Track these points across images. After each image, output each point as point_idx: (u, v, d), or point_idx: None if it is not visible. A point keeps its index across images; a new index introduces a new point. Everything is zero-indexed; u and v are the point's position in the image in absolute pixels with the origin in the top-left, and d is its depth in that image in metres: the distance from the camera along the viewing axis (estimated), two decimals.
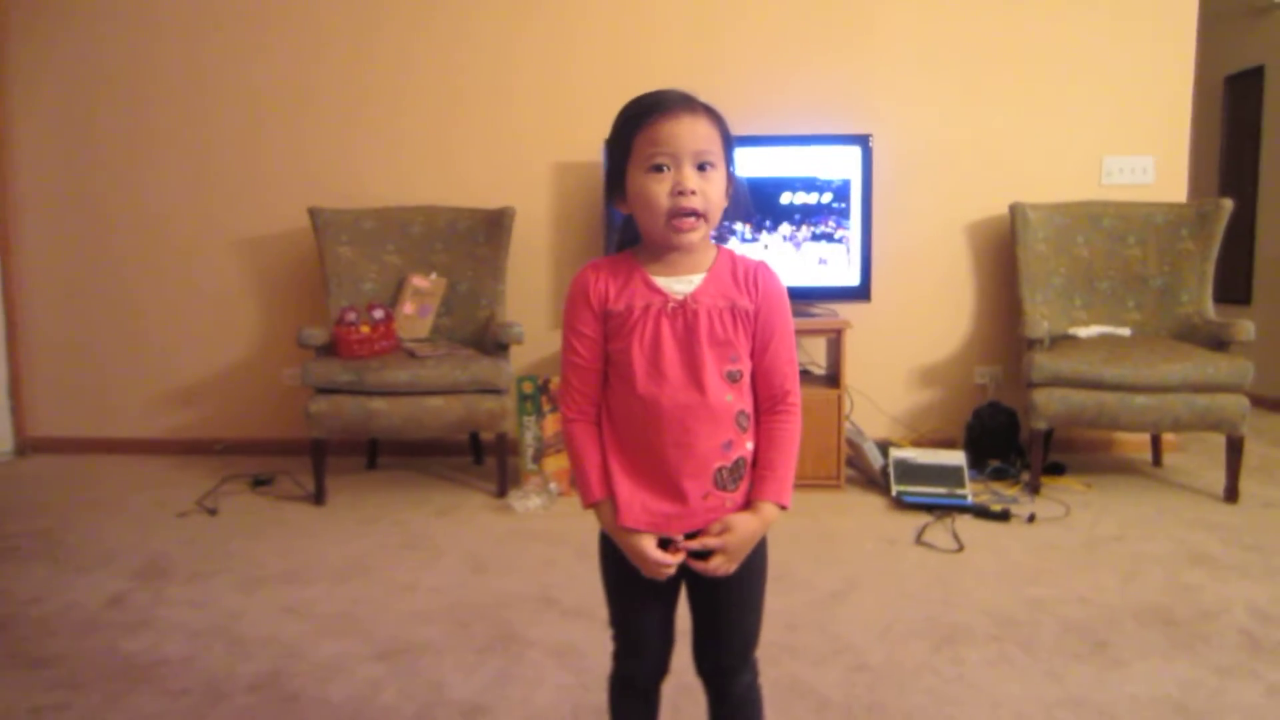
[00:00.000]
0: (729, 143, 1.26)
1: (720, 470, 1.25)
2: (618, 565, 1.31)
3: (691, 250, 1.26)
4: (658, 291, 1.25)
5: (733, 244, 1.37)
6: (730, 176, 1.27)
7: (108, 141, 4.15)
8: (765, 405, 1.30)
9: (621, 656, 1.38)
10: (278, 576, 2.68)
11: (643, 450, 1.25)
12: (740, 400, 1.26)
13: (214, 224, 4.15)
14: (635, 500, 1.26)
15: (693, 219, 1.21)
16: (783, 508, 1.28)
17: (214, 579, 2.66)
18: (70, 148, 4.17)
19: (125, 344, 4.23)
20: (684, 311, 1.24)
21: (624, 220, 1.32)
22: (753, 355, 1.28)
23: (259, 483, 3.65)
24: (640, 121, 1.21)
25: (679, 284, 1.25)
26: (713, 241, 1.30)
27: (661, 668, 1.38)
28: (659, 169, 1.20)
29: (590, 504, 1.29)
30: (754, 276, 1.28)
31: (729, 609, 1.33)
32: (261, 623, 2.35)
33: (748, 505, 1.27)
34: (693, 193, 1.20)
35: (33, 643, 2.24)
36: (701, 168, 1.21)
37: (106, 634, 2.28)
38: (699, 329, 1.23)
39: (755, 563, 1.32)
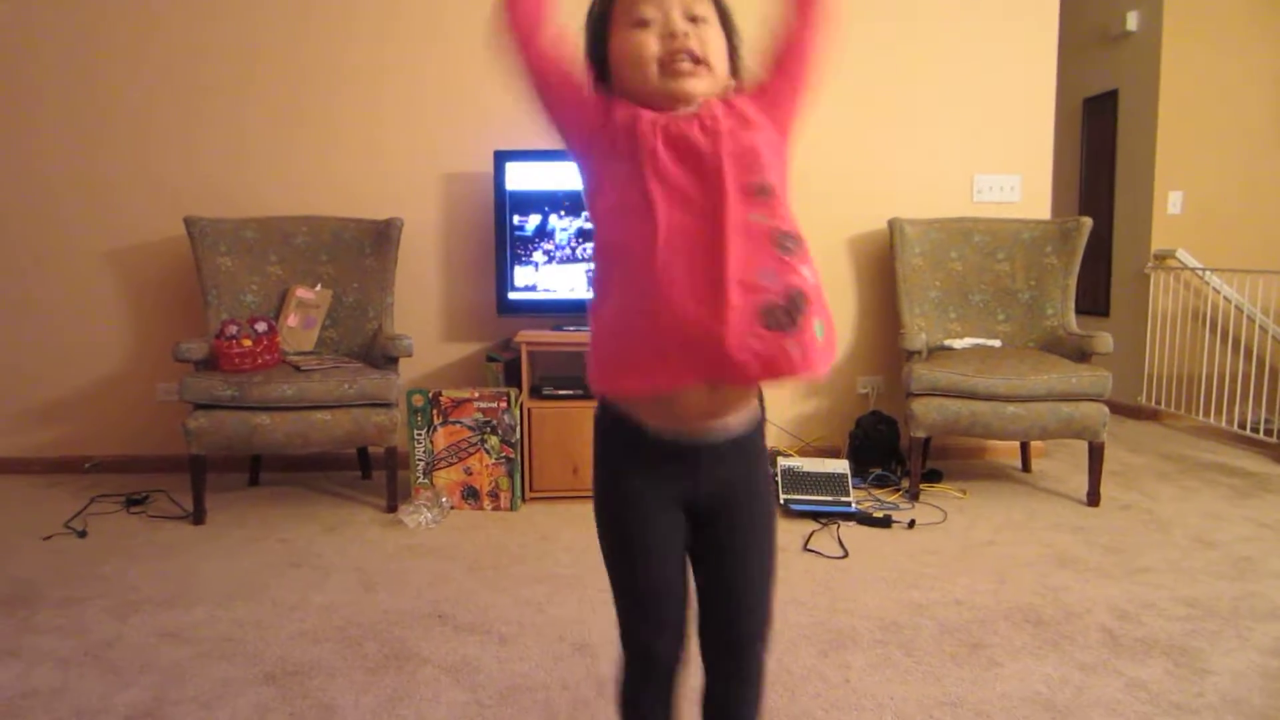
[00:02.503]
0: (723, 5, 1.15)
1: (767, 309, 1.01)
2: (618, 517, 1.18)
3: (696, 102, 1.10)
4: (661, 110, 1.09)
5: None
6: (730, 39, 1.15)
7: None
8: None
9: (635, 630, 1.21)
10: (155, 600, 2.57)
11: (648, 294, 1.02)
12: (776, 217, 1.07)
13: (82, 231, 3.94)
14: (622, 350, 1.06)
15: (692, 62, 1.08)
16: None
17: (85, 604, 2.53)
18: None
19: None
20: (696, 120, 1.07)
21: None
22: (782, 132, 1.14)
23: (132, 502, 3.49)
24: None
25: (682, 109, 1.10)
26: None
27: (680, 635, 1.21)
28: (644, 23, 1.09)
29: None
30: (740, 84, 1.16)
31: (748, 567, 1.18)
32: (138, 649, 2.25)
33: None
34: (685, 32, 1.08)
35: None
36: (693, 20, 1.10)
37: None
38: (718, 144, 1.06)
39: (767, 516, 1.18)
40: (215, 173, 3.94)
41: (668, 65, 1.07)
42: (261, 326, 3.45)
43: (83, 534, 3.16)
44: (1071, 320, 3.85)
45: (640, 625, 1.21)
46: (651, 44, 1.08)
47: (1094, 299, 5.48)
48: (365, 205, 3.90)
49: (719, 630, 1.21)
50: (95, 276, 3.97)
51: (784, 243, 1.05)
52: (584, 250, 3.70)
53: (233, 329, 3.38)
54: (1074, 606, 2.49)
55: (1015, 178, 4.18)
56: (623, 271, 1.06)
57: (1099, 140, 5.64)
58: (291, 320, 3.69)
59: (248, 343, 3.37)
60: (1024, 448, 4.02)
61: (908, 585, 2.65)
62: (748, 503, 1.18)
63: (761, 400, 1.20)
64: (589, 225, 3.64)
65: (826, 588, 2.64)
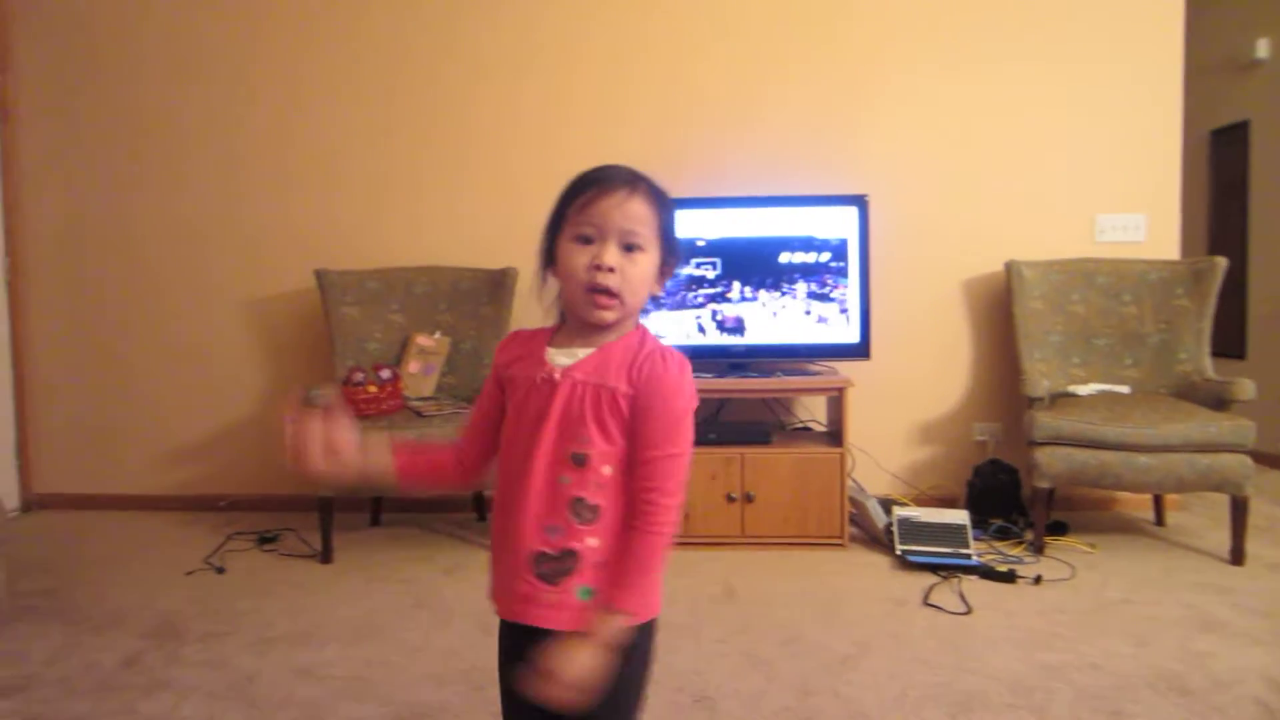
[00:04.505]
0: (667, 226, 1.24)
1: (541, 556, 1.18)
2: (500, 662, 1.32)
3: (605, 327, 1.24)
4: (541, 364, 1.25)
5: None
6: (666, 262, 1.26)
7: (119, 203, 4.20)
8: (632, 505, 1.20)
9: None
10: (289, 637, 2.67)
11: (496, 521, 1.27)
12: (582, 487, 1.19)
13: (221, 283, 4.19)
14: (493, 570, 1.28)
15: (607, 297, 1.20)
16: (627, 618, 1.16)
17: (226, 639, 2.65)
18: (79, 211, 4.22)
19: (131, 401, 4.24)
20: (547, 385, 1.22)
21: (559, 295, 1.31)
22: (627, 447, 1.21)
23: (265, 540, 3.65)
24: (576, 193, 1.22)
25: (564, 356, 1.24)
26: (636, 320, 1.29)
27: None
28: (585, 240, 1.21)
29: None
30: (644, 363, 1.21)
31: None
32: (277, 685, 2.35)
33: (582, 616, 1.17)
34: (610, 269, 1.18)
35: (54, 704, 2.25)
36: (629, 249, 1.20)
37: (125, 696, 2.29)
38: (553, 405, 1.21)
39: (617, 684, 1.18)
40: (345, 225, 4.14)
41: (589, 294, 1.20)
42: (386, 373, 3.58)
43: (221, 570, 3.32)
44: (1207, 365, 3.68)
45: None
46: (580, 270, 1.20)
47: (1227, 341, 5.21)
48: (481, 255, 4.02)
49: None
50: (234, 324, 4.20)
51: (578, 509, 1.19)
52: (696, 297, 3.73)
53: (359, 376, 3.51)
54: (1223, 675, 2.35)
55: (1139, 217, 4.03)
56: (497, 490, 1.27)
57: (1229, 173, 5.41)
58: (413, 367, 3.82)
59: (373, 389, 3.50)
60: (1157, 500, 3.83)
61: (1038, 645, 2.56)
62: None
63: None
64: (698, 272, 3.69)
65: (952, 646, 2.56)
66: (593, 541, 1.19)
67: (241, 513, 4.10)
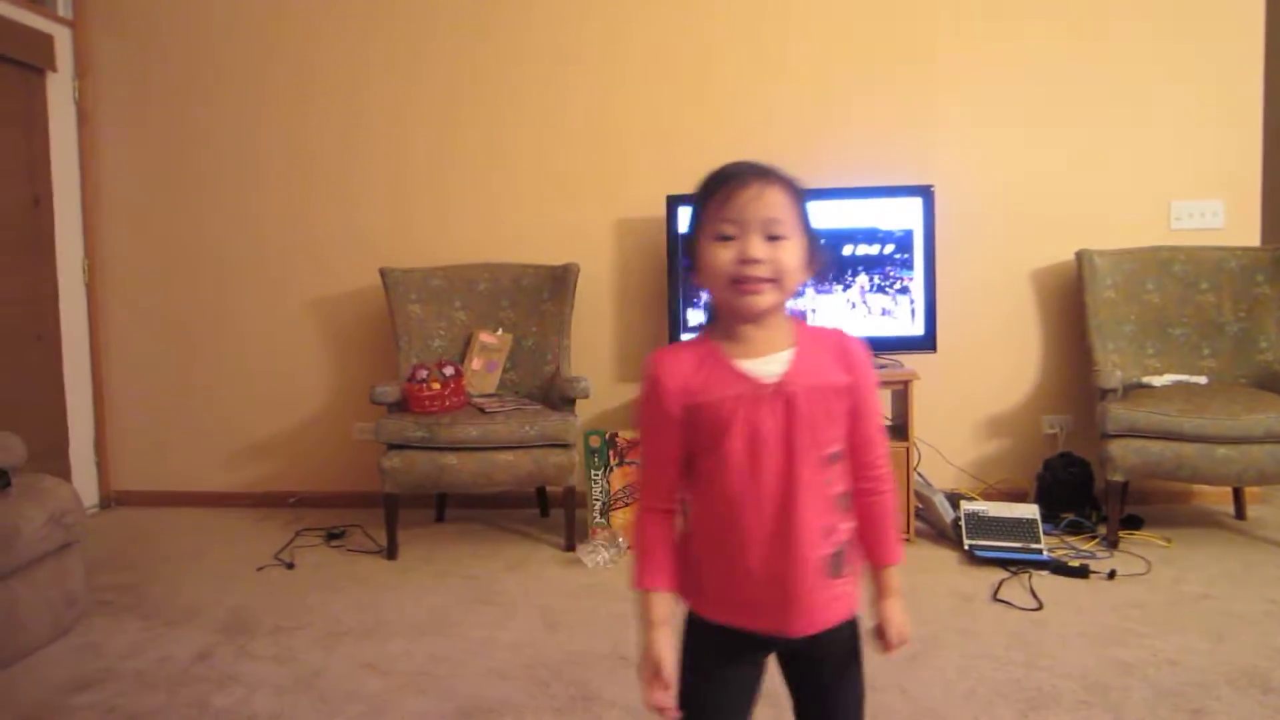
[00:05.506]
0: (804, 212, 1.23)
1: (827, 559, 1.20)
2: (697, 645, 1.27)
3: (761, 320, 1.21)
4: (744, 377, 1.20)
5: (799, 297, 1.35)
6: (810, 244, 1.23)
7: (192, 207, 4.31)
8: (863, 477, 1.27)
9: None
10: (356, 631, 2.72)
11: (738, 546, 1.19)
12: (838, 482, 1.23)
13: (286, 283, 4.28)
14: (723, 588, 1.23)
15: (756, 283, 1.17)
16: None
17: (295, 634, 2.71)
18: (153, 214, 4.34)
19: (203, 400, 4.36)
20: (780, 397, 1.18)
21: (707, 302, 1.29)
22: (849, 428, 1.25)
23: (332, 536, 3.72)
24: (711, 192, 1.20)
25: (765, 365, 1.20)
26: (787, 314, 1.26)
27: None
28: (726, 238, 1.18)
29: (645, 587, 1.24)
30: (844, 349, 1.24)
31: (842, 700, 1.31)
32: (344, 679, 2.39)
33: (876, 583, 1.30)
34: (758, 261, 1.17)
35: (131, 697, 2.31)
36: (772, 238, 1.18)
37: (198, 689, 2.34)
38: (798, 415, 1.18)
39: (857, 661, 1.30)
40: (409, 224, 4.19)
41: (738, 285, 1.18)
42: (449, 370, 3.63)
43: (290, 565, 3.39)
44: None
45: None
46: (727, 265, 1.18)
47: None
48: (542, 252, 4.05)
49: None
50: (301, 323, 4.29)
51: (840, 503, 1.23)
52: None
53: (423, 373, 3.56)
54: None
55: (1217, 203, 3.89)
56: (712, 523, 1.23)
57: None
58: (476, 364, 3.86)
59: (436, 386, 3.54)
60: (1237, 493, 3.70)
61: (1112, 642, 2.48)
62: (841, 664, 1.30)
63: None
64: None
65: (1022, 642, 2.50)
66: (848, 525, 1.25)
67: (309, 509, 4.18)
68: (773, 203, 1.18)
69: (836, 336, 1.27)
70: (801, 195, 1.23)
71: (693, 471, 1.25)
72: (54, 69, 4.06)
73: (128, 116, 4.33)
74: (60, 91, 4.14)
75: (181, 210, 4.33)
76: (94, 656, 2.57)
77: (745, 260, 1.16)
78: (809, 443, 1.19)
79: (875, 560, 1.28)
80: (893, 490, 1.29)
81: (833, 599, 1.22)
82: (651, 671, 1.21)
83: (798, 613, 1.20)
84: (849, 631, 1.27)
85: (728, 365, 1.21)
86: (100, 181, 4.33)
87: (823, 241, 1.28)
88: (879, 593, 1.30)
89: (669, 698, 1.21)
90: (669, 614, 1.25)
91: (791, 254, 1.19)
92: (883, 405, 3.92)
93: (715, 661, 1.27)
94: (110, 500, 4.37)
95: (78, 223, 4.23)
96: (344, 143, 4.21)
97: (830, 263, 1.47)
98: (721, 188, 1.19)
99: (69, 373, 4.16)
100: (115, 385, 4.39)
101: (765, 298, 1.18)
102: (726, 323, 1.23)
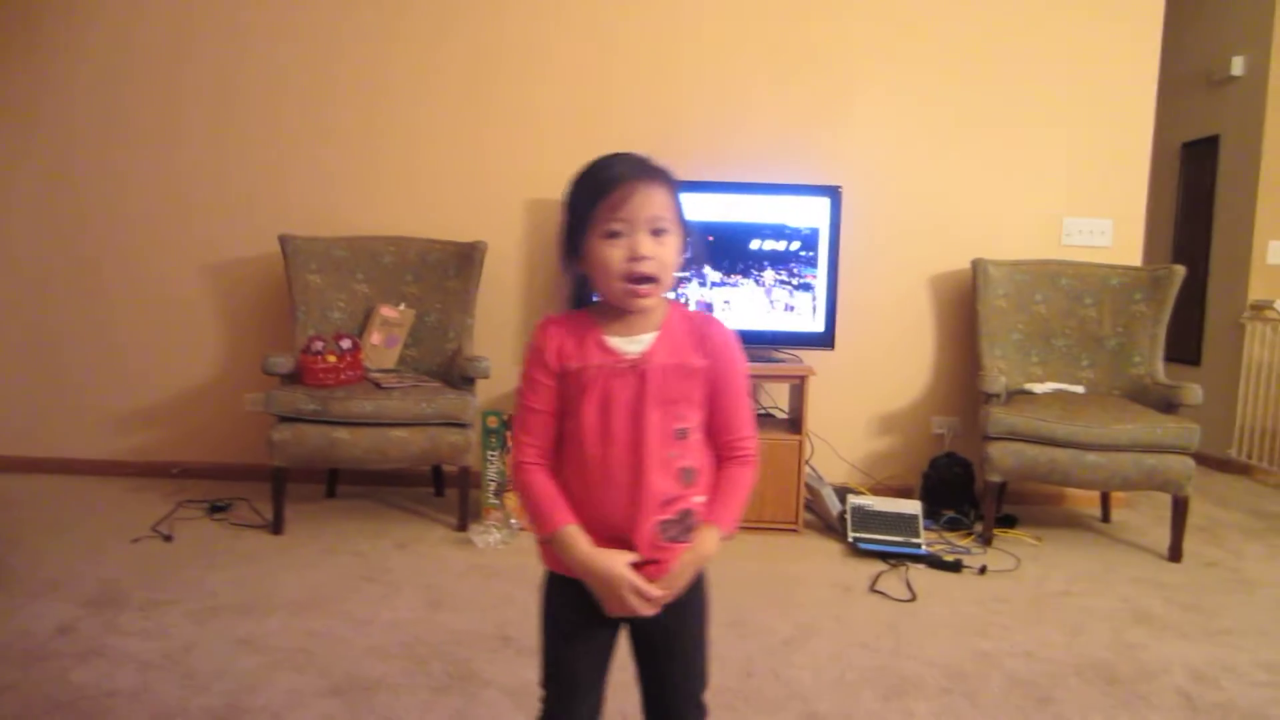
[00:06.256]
0: (679, 206, 1.31)
1: (665, 524, 1.27)
2: (560, 606, 1.35)
3: (646, 312, 1.31)
4: (610, 352, 1.30)
5: (697, 290, 1.41)
6: (685, 236, 1.32)
7: (79, 162, 4.12)
8: (721, 454, 1.34)
9: (552, 709, 1.36)
10: (233, 607, 2.66)
11: (592, 504, 1.28)
12: (686, 456, 1.29)
13: (177, 245, 4.13)
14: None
15: (649, 285, 1.26)
16: (726, 536, 1.31)
17: (168, 608, 2.63)
18: (39, 169, 4.14)
19: (83, 365, 4.18)
20: (634, 372, 1.28)
21: (577, 278, 1.36)
22: (710, 408, 1.32)
23: (216, 509, 3.62)
24: (600, 191, 1.26)
25: (631, 344, 1.30)
26: (664, 296, 1.34)
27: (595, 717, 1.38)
28: (615, 235, 1.26)
29: (552, 530, 1.28)
30: (705, 332, 1.32)
31: (674, 652, 1.36)
32: (215, 655, 2.33)
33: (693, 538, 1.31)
34: (648, 258, 1.25)
35: None
36: (656, 233, 1.27)
37: (57, 663, 2.26)
38: (648, 389, 1.27)
39: (696, 603, 1.35)
40: (308, 193, 4.09)
41: (629, 284, 1.26)
42: (346, 343, 3.56)
43: (168, 538, 3.29)
44: (1159, 369, 3.74)
45: (558, 706, 1.36)
46: (618, 262, 1.26)
47: (1186, 347, 5.30)
48: (450, 228, 4.00)
49: (653, 701, 1.39)
50: (193, 288, 4.15)
51: (686, 476, 1.29)
52: None
53: (319, 345, 3.49)
54: (1150, 665, 2.40)
55: (1106, 222, 4.08)
56: (573, 479, 1.30)
57: (1197, 186, 5.48)
58: (375, 338, 3.80)
59: (332, 358, 3.48)
60: (1104, 497, 3.90)
61: (976, 633, 2.60)
62: (680, 621, 1.34)
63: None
64: None
65: (892, 631, 2.60)
66: (698, 498, 1.30)
67: (194, 480, 4.06)
68: (658, 202, 1.27)
69: (701, 321, 1.34)
70: (677, 189, 1.31)
71: (562, 433, 1.33)
72: None
73: (3, 69, 4.11)
74: None
75: (72, 167, 4.13)
76: None
77: (635, 258, 1.25)
78: (658, 416, 1.27)
79: (704, 517, 1.31)
80: (749, 466, 1.34)
81: (667, 560, 1.27)
82: (627, 585, 1.25)
83: (641, 570, 1.26)
84: (684, 595, 1.31)
85: (598, 339, 1.31)
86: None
87: (692, 234, 1.35)
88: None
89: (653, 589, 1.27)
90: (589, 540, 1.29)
91: (672, 249, 1.29)
92: (778, 398, 4.01)
93: (571, 617, 1.34)
94: None
95: None
96: (250, 108, 4.08)
97: (701, 252, 1.55)
98: (614, 189, 1.25)
99: None
100: None
101: (650, 300, 1.29)
102: (610, 309, 1.32)
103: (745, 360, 1.36)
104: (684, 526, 1.29)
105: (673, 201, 1.29)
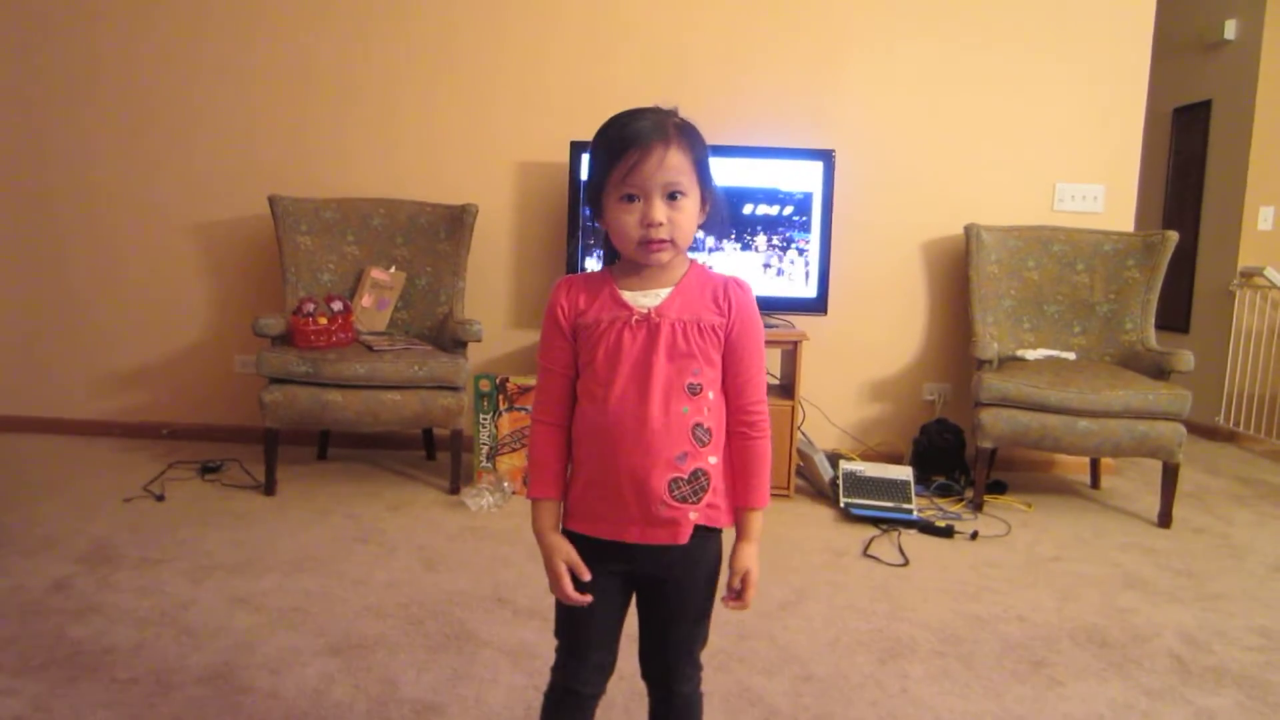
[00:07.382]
0: (703, 165, 1.29)
1: (675, 481, 1.27)
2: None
3: (662, 267, 1.31)
4: (624, 306, 1.30)
5: (696, 252, 1.41)
6: (706, 196, 1.31)
7: (61, 120, 4.06)
8: (737, 420, 1.33)
9: (566, 662, 1.38)
10: (227, 566, 2.65)
11: (603, 459, 1.28)
12: (699, 413, 1.28)
13: (170, 206, 4.08)
14: (586, 501, 1.31)
15: (660, 243, 1.26)
16: (763, 509, 1.35)
17: (162, 566, 2.63)
18: (20, 127, 4.07)
19: (73, 323, 4.14)
20: (646, 324, 1.28)
21: (607, 234, 1.35)
22: (724, 370, 1.32)
23: (208, 470, 3.61)
24: (616, 154, 1.25)
25: (645, 298, 1.30)
26: (686, 255, 1.35)
27: (604, 675, 1.39)
28: (630, 199, 1.26)
29: (533, 496, 1.34)
30: (726, 292, 1.32)
31: (678, 614, 1.37)
32: (211, 613, 2.33)
33: (736, 525, 1.34)
34: (660, 224, 1.25)
35: None
36: (672, 196, 1.26)
37: (53, 619, 2.25)
38: (659, 342, 1.27)
39: (706, 570, 1.36)
40: (301, 154, 4.04)
41: (643, 245, 1.27)
42: (337, 305, 3.53)
43: (160, 498, 3.27)
44: (1151, 336, 3.75)
45: (571, 661, 1.37)
46: (633, 228, 1.26)
47: (1174, 314, 5.32)
48: (442, 190, 3.96)
49: (651, 658, 1.41)
50: (181, 249, 4.10)
51: (698, 434, 1.28)
52: None
53: (310, 306, 3.46)
54: (1141, 630, 2.43)
55: (1099, 187, 4.07)
56: (588, 437, 1.30)
57: (1188, 151, 5.48)
58: (366, 300, 3.77)
59: (323, 320, 3.45)
60: (1094, 464, 3.93)
61: (969, 597, 2.62)
62: (691, 578, 1.35)
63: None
64: None
65: (886, 595, 2.62)
66: (713, 459, 1.30)
67: (185, 441, 4.04)
68: (673, 166, 1.25)
69: (722, 280, 1.34)
70: (700, 144, 1.29)
71: (576, 393, 1.34)
72: None
73: (3, 31, 4.02)
74: None
75: (56, 125, 4.06)
76: None
77: (648, 224, 1.25)
78: (669, 369, 1.27)
79: (738, 500, 1.33)
80: (766, 437, 1.34)
81: (675, 520, 1.28)
82: (554, 572, 1.31)
83: (637, 524, 1.28)
84: (696, 555, 1.32)
85: (614, 294, 1.31)
86: None
87: (718, 193, 1.34)
88: (737, 535, 1.35)
89: (573, 592, 1.30)
90: (557, 521, 1.35)
91: (688, 213, 1.28)
92: (771, 364, 4.01)
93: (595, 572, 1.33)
94: None
95: None
96: (240, 63, 4.01)
97: (727, 214, 1.51)
98: (628, 153, 1.24)
99: None
100: None
101: (666, 255, 1.28)
102: (627, 262, 1.33)
103: (762, 328, 1.35)
104: (694, 487, 1.28)
105: (692, 162, 1.27)
